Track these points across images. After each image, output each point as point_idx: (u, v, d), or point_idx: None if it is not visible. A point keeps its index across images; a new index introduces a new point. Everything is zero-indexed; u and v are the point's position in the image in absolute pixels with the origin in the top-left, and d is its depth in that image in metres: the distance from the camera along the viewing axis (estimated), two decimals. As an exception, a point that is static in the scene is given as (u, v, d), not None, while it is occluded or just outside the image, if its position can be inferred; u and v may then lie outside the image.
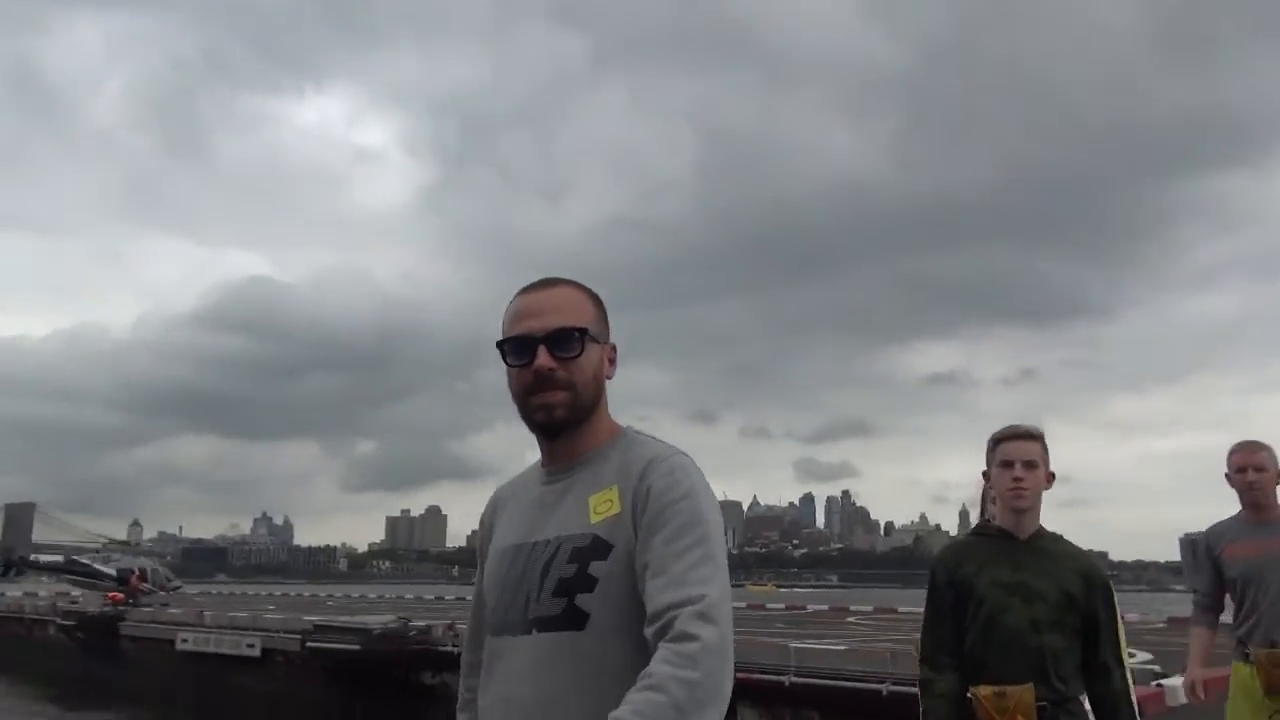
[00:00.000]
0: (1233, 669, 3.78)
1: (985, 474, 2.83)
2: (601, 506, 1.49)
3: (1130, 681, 2.67)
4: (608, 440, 1.59)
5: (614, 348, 1.65)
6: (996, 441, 2.79)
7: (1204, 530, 3.96)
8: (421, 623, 21.80)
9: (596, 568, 1.45)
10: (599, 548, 1.46)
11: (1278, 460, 3.78)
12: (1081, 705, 2.59)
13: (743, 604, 43.98)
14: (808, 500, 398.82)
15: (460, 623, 24.39)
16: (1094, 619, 2.62)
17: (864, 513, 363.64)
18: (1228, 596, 3.86)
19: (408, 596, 51.32)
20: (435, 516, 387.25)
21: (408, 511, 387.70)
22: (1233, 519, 3.85)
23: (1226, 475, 3.82)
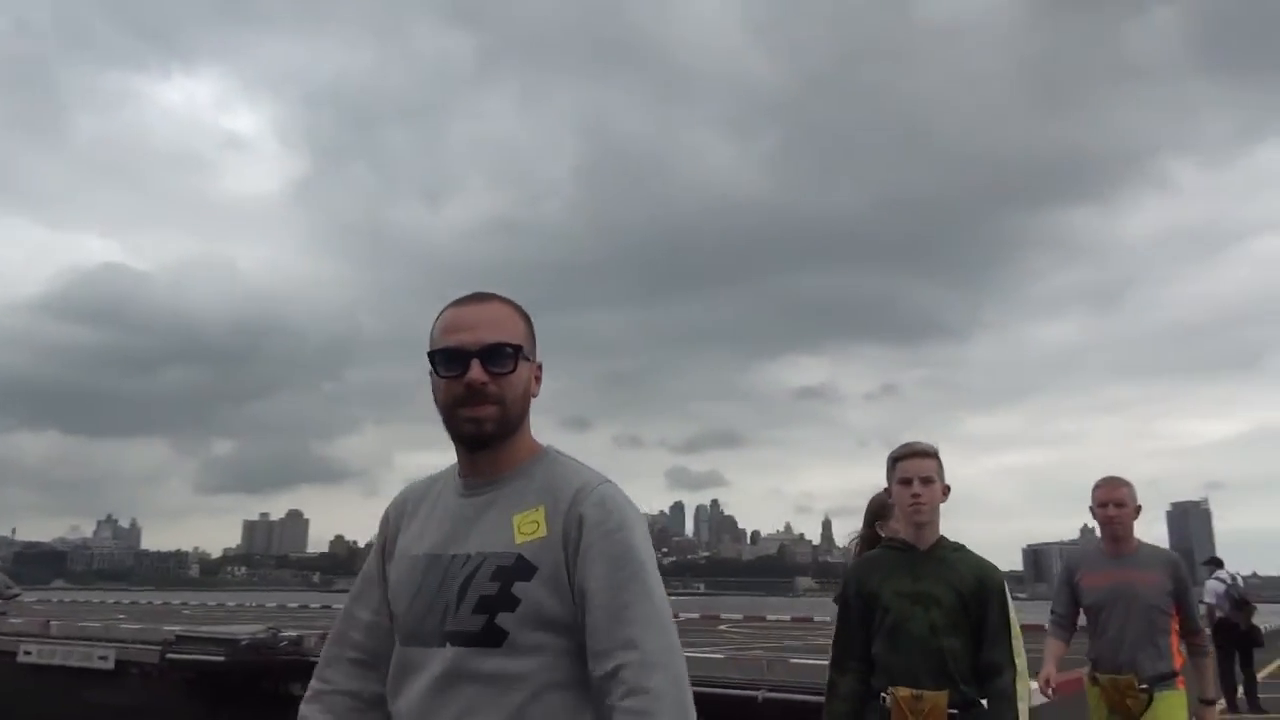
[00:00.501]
0: (1087, 689, 4.14)
1: (886, 490, 2.99)
2: (527, 527, 1.49)
3: (1018, 681, 2.80)
4: (530, 458, 1.58)
5: (540, 367, 1.65)
6: (895, 460, 2.93)
7: (1066, 556, 4.36)
8: (292, 632, 21.24)
9: (520, 588, 1.45)
10: (522, 568, 1.46)
11: (1136, 496, 4.07)
12: (981, 710, 2.72)
13: None
14: (678, 509, 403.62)
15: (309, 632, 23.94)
16: (984, 621, 2.75)
17: (731, 521, 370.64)
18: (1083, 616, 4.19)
19: (269, 605, 49.37)
20: (296, 521, 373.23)
21: (267, 515, 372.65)
22: (1093, 548, 4.17)
23: (1091, 508, 4.09)
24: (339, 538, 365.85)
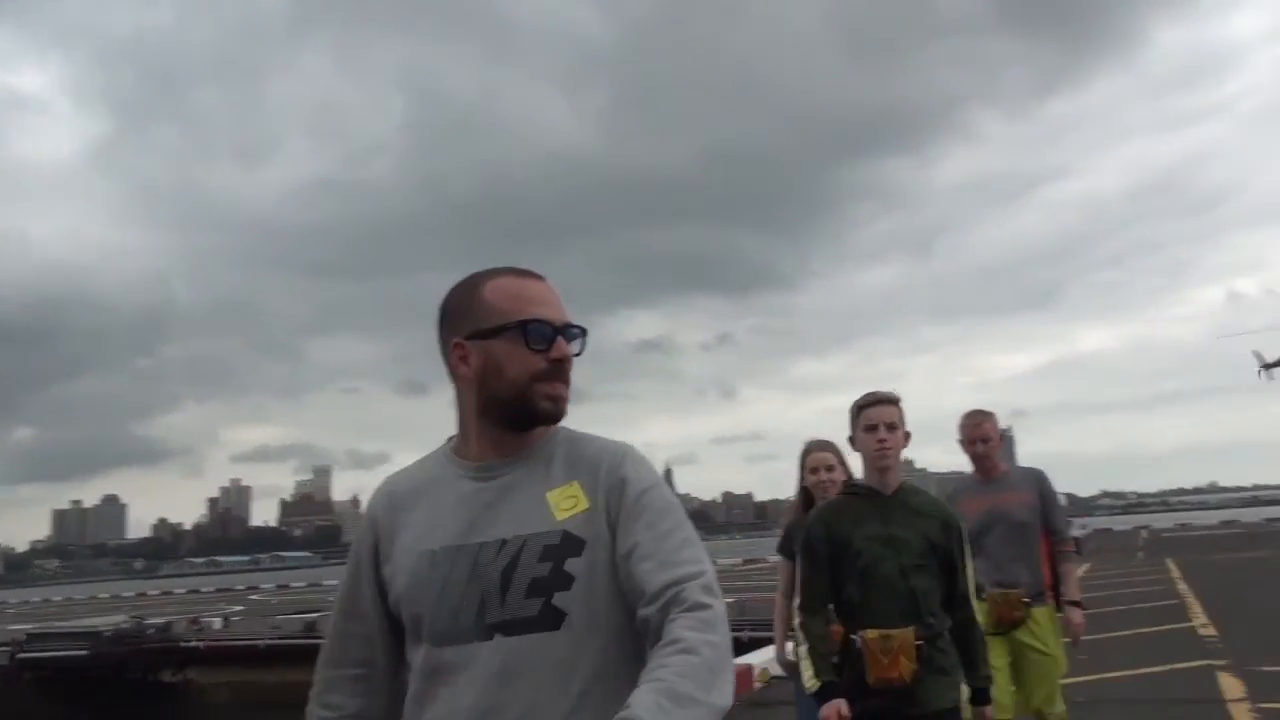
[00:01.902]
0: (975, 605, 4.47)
1: (850, 439, 3.04)
2: (565, 503, 1.41)
3: (978, 610, 3.00)
4: (544, 437, 1.50)
5: None
6: (860, 408, 2.98)
7: (943, 488, 4.68)
8: (159, 619, 21.14)
9: (573, 565, 1.37)
10: (572, 544, 1.38)
11: (998, 425, 4.31)
12: (948, 639, 2.87)
13: None
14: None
15: (206, 616, 23.77)
16: (952, 560, 2.88)
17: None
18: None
19: (102, 595, 47.55)
20: (112, 506, 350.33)
21: (79, 503, 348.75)
22: (968, 478, 4.38)
23: (959, 442, 4.29)
24: (162, 521, 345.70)
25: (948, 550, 2.87)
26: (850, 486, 3.10)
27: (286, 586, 46.25)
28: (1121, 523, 67.83)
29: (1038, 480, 4.28)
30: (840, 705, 2.76)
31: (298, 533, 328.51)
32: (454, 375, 1.50)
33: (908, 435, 2.99)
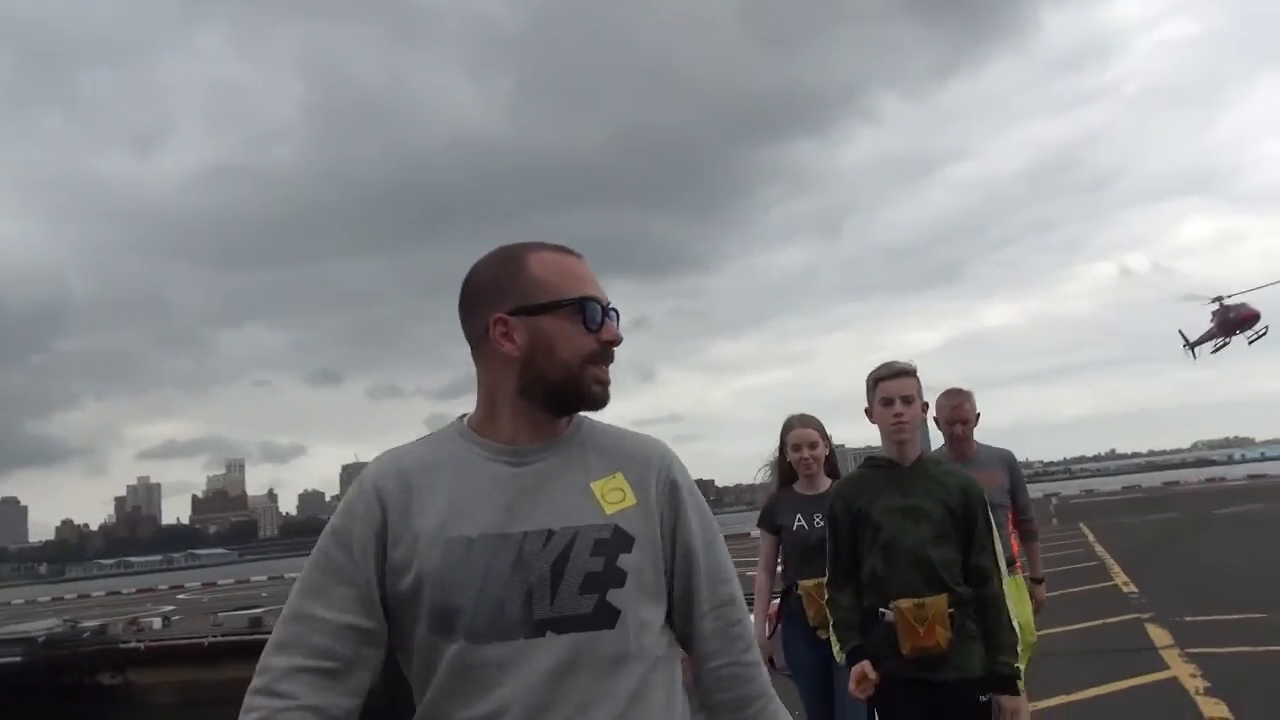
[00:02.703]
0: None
1: (867, 410, 2.98)
2: (612, 496, 1.36)
3: (1005, 585, 2.89)
4: (571, 424, 1.43)
5: None
6: (877, 380, 2.93)
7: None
8: (93, 622, 20.65)
9: (625, 561, 1.32)
10: (622, 540, 1.33)
11: (975, 404, 4.27)
12: (972, 610, 2.80)
13: None
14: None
15: (145, 617, 23.21)
16: (972, 529, 2.82)
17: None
18: None
19: (16, 601, 45.80)
20: (12, 509, 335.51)
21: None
22: (939, 452, 4.26)
23: (934, 419, 4.22)
24: (66, 523, 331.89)
25: (968, 519, 2.82)
26: (870, 459, 3.05)
27: (214, 584, 45.21)
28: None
29: (1009, 462, 4.38)
30: (866, 666, 2.78)
31: (212, 530, 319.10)
32: (489, 352, 1.39)
33: (925, 405, 2.98)
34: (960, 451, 4.27)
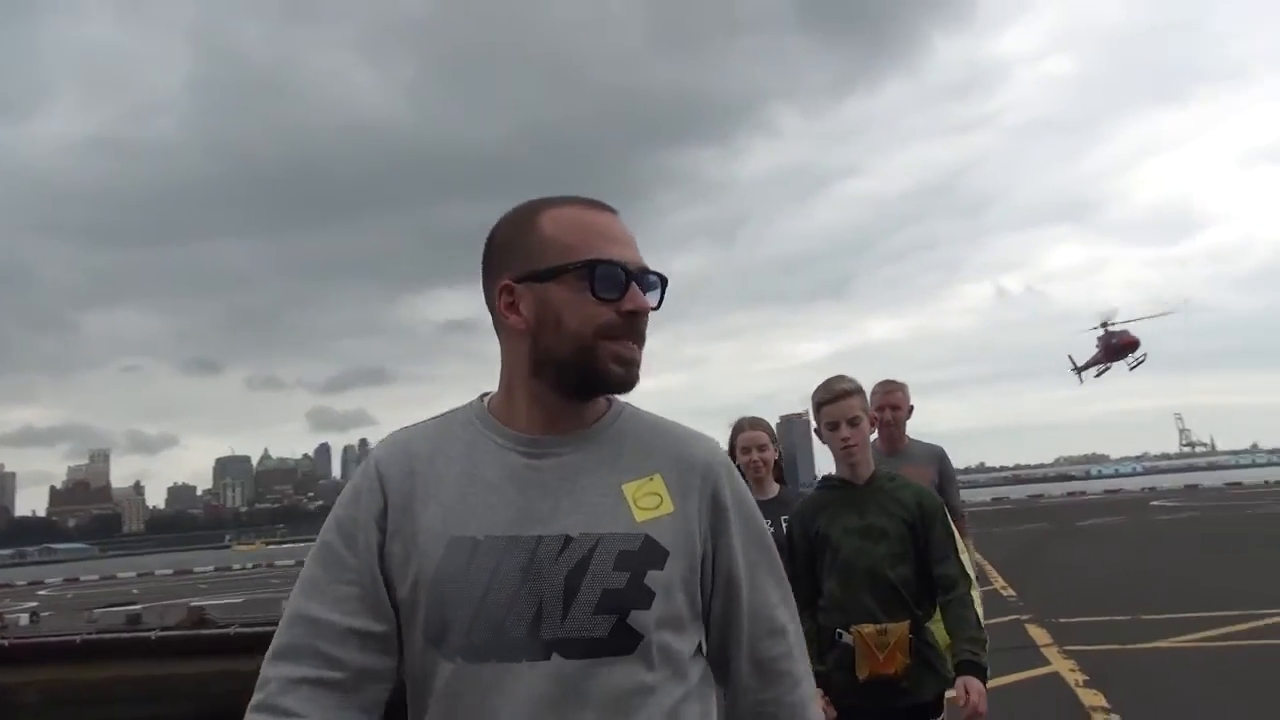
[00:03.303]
0: None
1: (816, 431, 2.93)
2: (646, 500, 1.15)
3: (975, 594, 2.84)
4: (609, 412, 1.22)
5: None
6: (819, 405, 2.87)
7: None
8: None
9: (654, 578, 1.11)
10: (653, 553, 1.12)
11: (909, 397, 4.20)
12: (931, 630, 2.78)
13: (252, 565, 42.90)
14: (323, 451, 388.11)
15: (10, 613, 21.75)
16: (929, 542, 2.76)
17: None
18: None
19: None
20: None
21: None
22: (871, 449, 3.93)
23: (816, 432, 3.91)
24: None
25: (927, 534, 2.77)
26: (825, 479, 3.02)
27: (76, 580, 42.91)
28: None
29: (939, 457, 4.28)
30: (824, 702, 2.62)
31: (71, 523, 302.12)
32: (500, 324, 1.19)
33: (874, 420, 2.94)
34: (890, 441, 4.19)
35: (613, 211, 1.21)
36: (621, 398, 1.23)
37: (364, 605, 1.14)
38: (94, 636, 18.34)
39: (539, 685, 1.08)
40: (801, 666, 1.24)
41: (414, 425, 1.26)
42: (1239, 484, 52.48)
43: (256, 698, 1.11)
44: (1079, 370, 66.38)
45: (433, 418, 1.26)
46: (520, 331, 1.17)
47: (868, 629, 2.69)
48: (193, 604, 17.59)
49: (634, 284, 1.16)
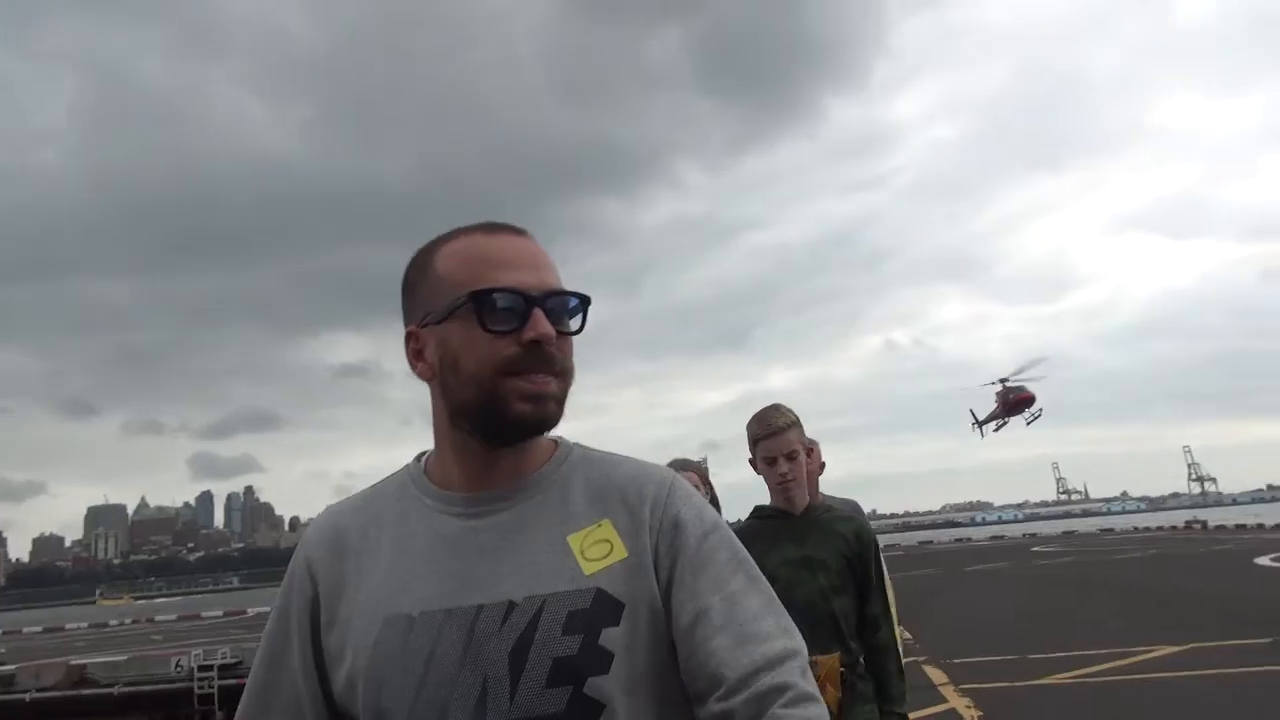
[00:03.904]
0: None
1: (751, 462, 2.89)
2: (594, 550, 1.03)
3: (896, 633, 2.80)
4: (553, 456, 1.10)
5: None
6: (756, 440, 2.83)
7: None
8: None
9: (609, 637, 0.98)
10: (607, 608, 1.00)
11: (820, 452, 4.06)
12: (864, 662, 2.73)
13: (131, 620, 40.98)
14: (205, 499, 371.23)
15: None
16: (866, 576, 2.75)
17: (268, 509, 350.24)
18: None
19: None
20: None
21: None
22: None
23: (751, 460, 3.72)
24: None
25: (863, 566, 2.75)
26: (759, 510, 2.95)
27: (-67, 639, 39.90)
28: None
29: (853, 510, 4.09)
30: None
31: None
32: (415, 374, 1.10)
33: (810, 450, 2.85)
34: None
35: (517, 232, 1.09)
36: (569, 439, 1.13)
37: (310, 709, 1.06)
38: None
39: None
40: (809, 684, 0.99)
41: (346, 498, 1.15)
42: (1111, 530, 55.36)
43: None
44: (979, 424, 69.11)
45: (369, 487, 1.14)
46: (430, 380, 1.08)
47: None
48: (72, 662, 16.70)
49: (537, 310, 1.03)
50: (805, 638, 2.75)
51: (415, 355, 1.08)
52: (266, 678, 1.08)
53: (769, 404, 2.87)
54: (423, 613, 1.00)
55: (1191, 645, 9.36)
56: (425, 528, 1.06)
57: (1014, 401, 65.42)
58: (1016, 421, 66.96)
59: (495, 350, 1.02)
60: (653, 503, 1.07)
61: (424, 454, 1.13)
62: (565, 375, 1.06)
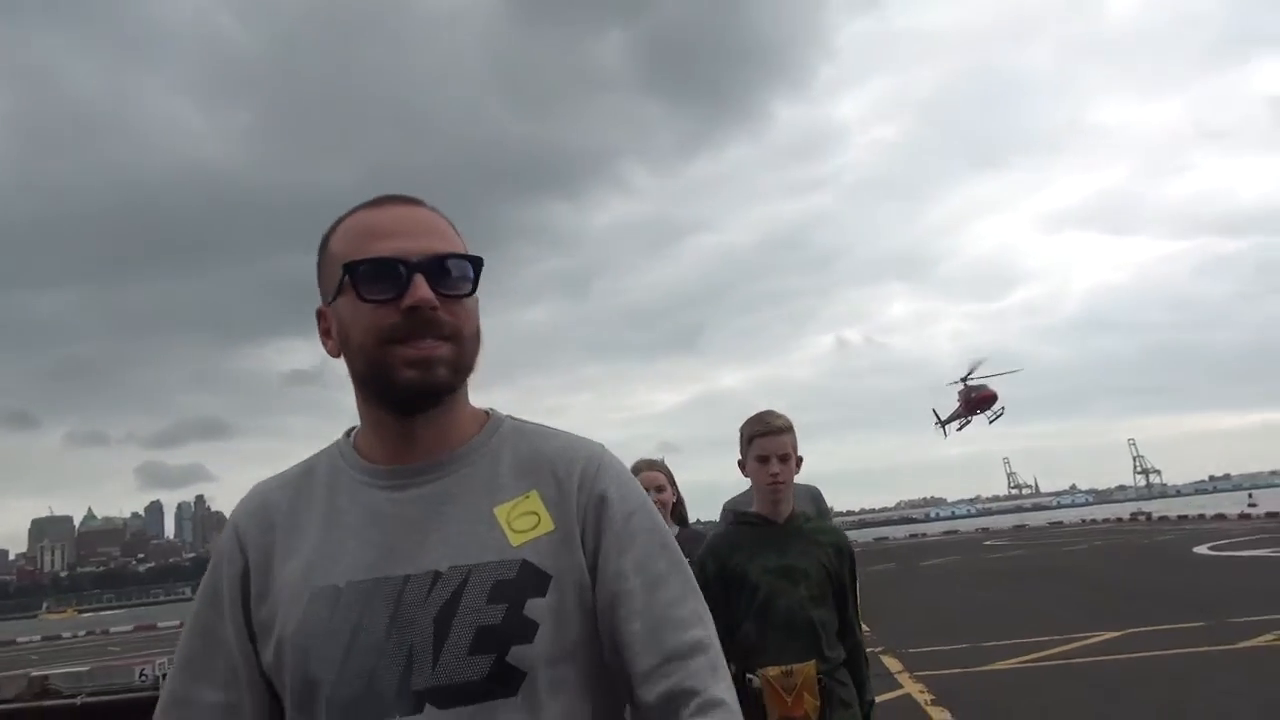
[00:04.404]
0: None
1: (740, 463, 2.86)
2: (521, 522, 1.04)
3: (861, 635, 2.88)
4: (484, 428, 1.11)
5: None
6: (752, 437, 2.80)
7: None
8: None
9: (534, 608, 1.00)
10: (533, 579, 1.01)
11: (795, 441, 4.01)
12: (844, 671, 2.74)
13: (85, 633, 40.36)
14: (155, 509, 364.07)
15: None
16: (844, 586, 2.77)
17: (220, 517, 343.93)
18: None
19: None
20: None
21: None
22: (747, 492, 3.62)
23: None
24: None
25: (840, 576, 2.78)
26: (740, 516, 2.94)
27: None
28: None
29: (814, 497, 4.21)
30: None
31: None
32: (327, 352, 1.12)
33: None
34: None
35: (406, 202, 1.10)
36: (500, 411, 1.15)
37: (243, 678, 1.07)
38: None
39: None
40: (718, 687, 1.01)
41: (275, 475, 1.16)
42: (1060, 523, 56.61)
43: None
44: (943, 424, 69.74)
45: (299, 463, 1.16)
46: (337, 357, 1.10)
47: (773, 672, 2.64)
48: (33, 673, 16.55)
49: (416, 276, 1.03)
50: (785, 647, 2.62)
51: (324, 334, 1.10)
52: (197, 648, 1.08)
53: (764, 409, 2.89)
54: (349, 583, 1.02)
55: (1130, 630, 9.90)
56: (353, 501, 1.08)
57: (976, 400, 66.25)
58: (979, 420, 67.94)
59: (377, 319, 1.03)
60: (580, 477, 1.08)
61: (353, 429, 1.15)
62: (457, 339, 1.05)
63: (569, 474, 1.08)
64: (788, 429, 2.81)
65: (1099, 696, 7.05)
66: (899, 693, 7.82)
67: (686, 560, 1.11)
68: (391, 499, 1.06)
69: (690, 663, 1.01)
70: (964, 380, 67.80)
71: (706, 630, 1.05)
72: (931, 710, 7.00)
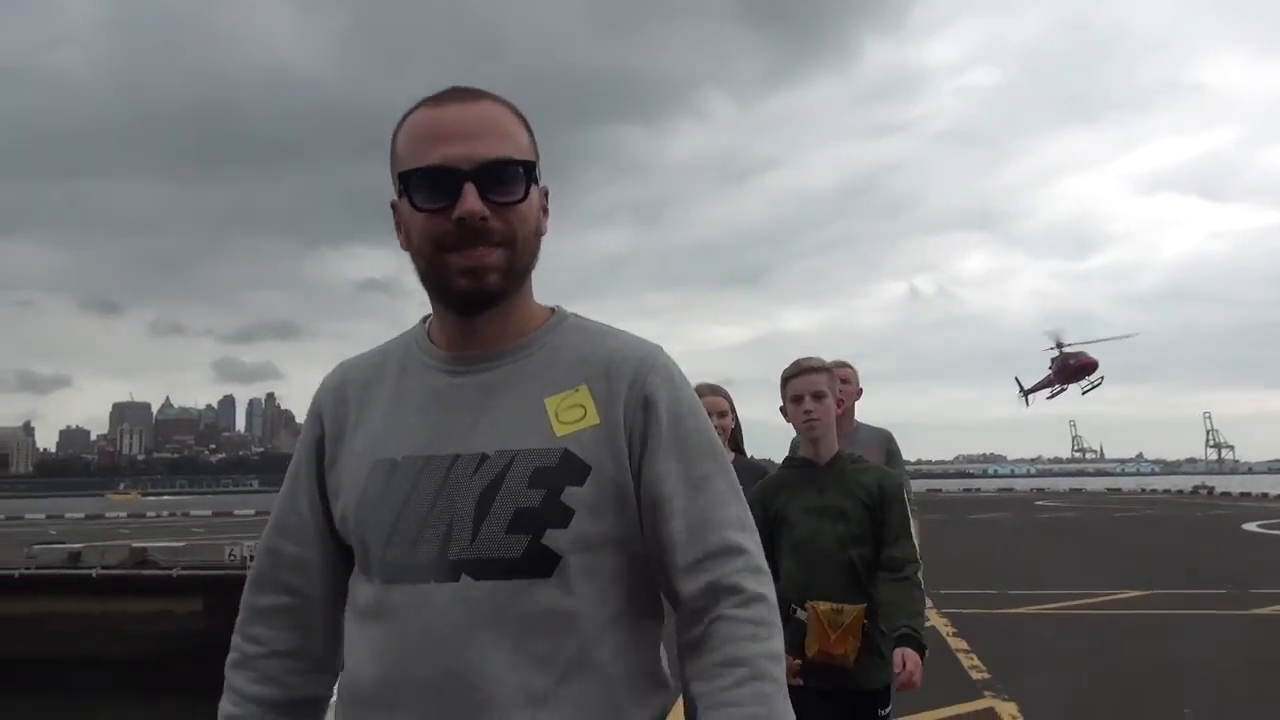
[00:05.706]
0: None
1: (782, 409, 2.91)
2: (568, 414, 1.08)
3: (920, 574, 2.80)
4: (545, 323, 1.16)
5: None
6: (785, 379, 2.87)
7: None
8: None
9: (572, 495, 1.05)
10: (573, 469, 1.06)
11: (857, 378, 4.06)
12: (884, 617, 2.72)
13: (168, 514, 42.67)
14: (228, 402, 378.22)
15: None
16: (885, 524, 2.76)
17: (289, 415, 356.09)
18: None
19: None
20: None
21: None
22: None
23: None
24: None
25: (884, 515, 2.78)
26: (788, 460, 3.06)
27: (-16, 518, 42.02)
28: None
29: (885, 442, 4.14)
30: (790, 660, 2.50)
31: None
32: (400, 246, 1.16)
33: (841, 401, 2.94)
34: (839, 423, 3.94)
35: (465, 98, 1.10)
36: (566, 307, 1.19)
37: (313, 535, 1.18)
38: (34, 571, 18.75)
39: (446, 608, 1.04)
40: (758, 584, 1.07)
41: (361, 354, 1.24)
42: (1119, 490, 56.29)
43: (238, 620, 1.22)
44: (1026, 394, 64.25)
45: (381, 344, 1.24)
46: (406, 251, 1.13)
47: (824, 606, 2.69)
48: (134, 544, 18.01)
49: (467, 185, 1.05)
50: (828, 584, 2.75)
51: (397, 227, 1.14)
52: (284, 508, 1.21)
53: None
54: (405, 458, 1.10)
55: (1153, 591, 10.53)
56: (419, 382, 1.14)
57: (1074, 368, 60.86)
58: (1074, 390, 62.05)
59: (431, 227, 1.07)
60: (632, 376, 1.11)
61: (428, 316, 1.20)
62: (509, 244, 1.08)
63: (620, 373, 1.11)
64: (820, 368, 2.88)
65: (1099, 643, 7.79)
66: (925, 624, 8.61)
67: (729, 466, 1.16)
68: (451, 384, 1.13)
69: (732, 560, 1.07)
70: (1059, 345, 61.90)
71: (749, 533, 1.11)
72: (951, 640, 7.79)
